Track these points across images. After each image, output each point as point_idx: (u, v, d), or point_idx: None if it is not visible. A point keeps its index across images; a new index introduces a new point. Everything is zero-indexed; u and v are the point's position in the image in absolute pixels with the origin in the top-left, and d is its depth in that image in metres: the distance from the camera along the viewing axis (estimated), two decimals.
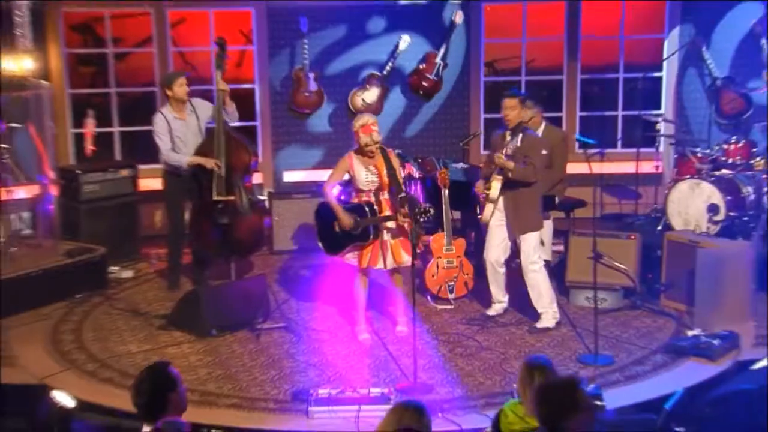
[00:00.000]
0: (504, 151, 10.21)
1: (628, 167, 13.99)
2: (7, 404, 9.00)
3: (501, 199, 10.04)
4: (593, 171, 12.72)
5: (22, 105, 13.33)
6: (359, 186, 9.46)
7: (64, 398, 8.51)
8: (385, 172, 9.25)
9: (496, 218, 9.98)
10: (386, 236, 9.51)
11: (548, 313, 10.03)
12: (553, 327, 10.00)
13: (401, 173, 9.70)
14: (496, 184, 9.99)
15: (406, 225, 9.21)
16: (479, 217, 10.50)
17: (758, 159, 12.39)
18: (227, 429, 7.78)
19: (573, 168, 13.06)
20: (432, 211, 9.27)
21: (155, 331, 10.29)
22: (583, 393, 5.34)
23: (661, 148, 14.25)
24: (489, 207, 10.07)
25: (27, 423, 8.60)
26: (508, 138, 9.99)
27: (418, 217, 8.93)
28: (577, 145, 14.76)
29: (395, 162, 9.43)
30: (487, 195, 10.02)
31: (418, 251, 9.90)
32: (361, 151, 9.37)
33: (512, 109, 10.11)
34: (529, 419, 5.85)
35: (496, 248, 9.97)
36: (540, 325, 9.97)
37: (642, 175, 14.09)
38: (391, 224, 9.51)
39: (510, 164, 9.64)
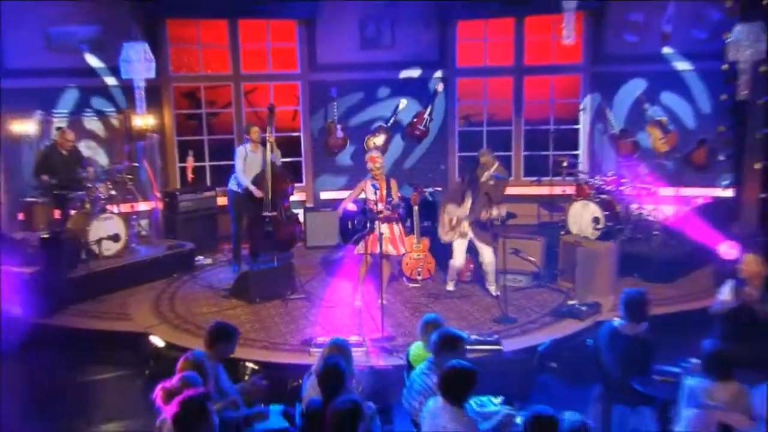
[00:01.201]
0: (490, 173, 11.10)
1: (557, 190, 14.04)
2: (122, 344, 10.10)
3: (467, 229, 10.67)
4: (537, 193, 13.96)
5: (140, 149, 13.87)
6: (368, 197, 10.10)
7: (157, 341, 9.56)
8: (384, 189, 10.05)
9: (459, 242, 10.69)
10: (383, 230, 9.90)
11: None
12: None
13: (396, 192, 10.32)
14: (466, 224, 10.67)
15: (389, 213, 10.09)
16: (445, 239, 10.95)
17: (626, 186, 12.67)
18: (256, 362, 8.45)
19: (521, 190, 14.34)
20: (402, 204, 10.54)
21: (221, 299, 11.02)
22: (461, 341, 6.32)
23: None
24: (458, 240, 10.75)
25: (133, 356, 9.70)
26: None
27: (395, 207, 10.07)
28: (523, 173, 15.29)
29: (394, 186, 10.26)
30: (460, 231, 10.67)
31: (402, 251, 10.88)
32: (372, 176, 10.21)
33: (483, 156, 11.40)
34: (426, 353, 6.59)
35: (460, 259, 10.66)
36: (496, 293, 10.68)
37: (561, 196, 13.97)
38: (386, 229, 10.05)
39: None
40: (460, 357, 6.14)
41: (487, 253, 10.78)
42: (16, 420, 8.82)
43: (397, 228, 10.50)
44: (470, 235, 10.83)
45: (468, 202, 10.88)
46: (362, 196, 10.67)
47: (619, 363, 7.00)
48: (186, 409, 5.05)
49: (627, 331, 7.03)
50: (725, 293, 8.08)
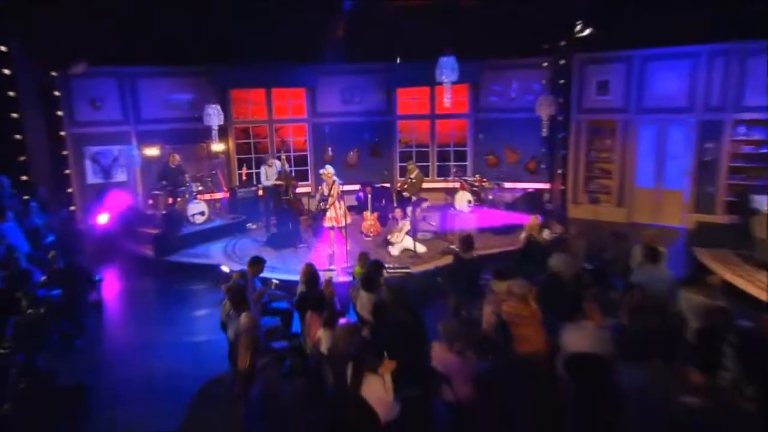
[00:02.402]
0: (405, 183, 11.94)
1: (451, 185, 13.86)
2: (206, 271, 10.43)
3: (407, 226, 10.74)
4: (443, 186, 14.16)
5: (216, 164, 13.68)
6: (324, 193, 10.18)
7: (225, 268, 9.85)
8: (332, 188, 10.04)
9: (398, 238, 10.73)
10: (334, 213, 10.08)
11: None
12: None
13: (336, 190, 9.99)
14: (406, 225, 10.79)
15: (337, 204, 9.99)
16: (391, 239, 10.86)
17: (486, 183, 13.11)
18: (279, 280, 8.89)
19: (434, 185, 14.47)
20: (326, 198, 10.09)
21: (260, 247, 11.32)
22: (380, 266, 7.11)
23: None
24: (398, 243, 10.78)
25: (212, 277, 9.92)
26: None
27: (323, 200, 10.14)
28: (436, 174, 15.16)
29: (335, 187, 10.01)
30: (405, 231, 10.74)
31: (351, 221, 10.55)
32: (324, 179, 10.15)
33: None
34: (360, 270, 7.46)
35: (398, 249, 10.62)
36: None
37: (454, 188, 13.56)
38: (332, 211, 10.07)
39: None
40: (380, 274, 7.00)
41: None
42: (152, 307, 9.75)
43: (340, 209, 10.27)
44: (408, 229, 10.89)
45: (400, 223, 11.12)
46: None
47: (459, 274, 7.67)
48: (233, 293, 6.11)
49: (463, 256, 7.72)
50: (522, 236, 8.89)
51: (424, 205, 11.93)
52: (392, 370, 4.75)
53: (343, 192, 10.75)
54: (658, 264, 6.84)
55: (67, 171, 12.20)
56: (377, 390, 4.69)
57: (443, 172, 15.18)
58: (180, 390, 6.63)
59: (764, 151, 11.76)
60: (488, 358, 5.55)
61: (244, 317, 5.71)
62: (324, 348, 5.55)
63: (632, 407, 4.12)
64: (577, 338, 5.12)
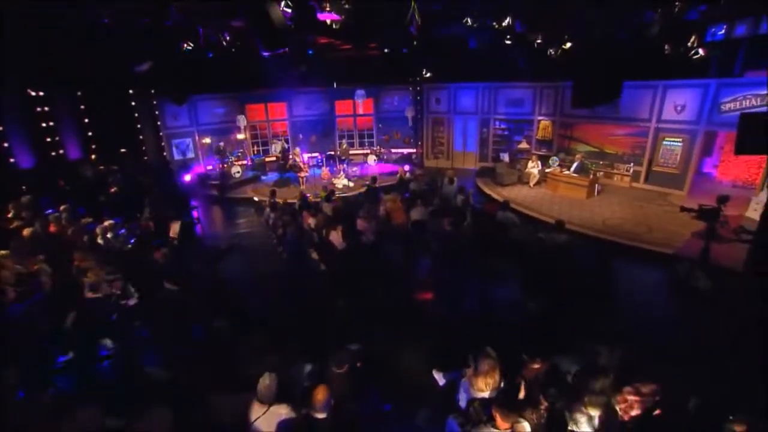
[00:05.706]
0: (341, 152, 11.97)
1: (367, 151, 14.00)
2: (248, 202, 10.56)
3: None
4: (363, 153, 13.99)
5: (244, 145, 13.63)
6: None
7: (258, 199, 9.86)
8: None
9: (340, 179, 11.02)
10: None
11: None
12: None
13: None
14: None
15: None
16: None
17: (383, 150, 13.77)
18: (285, 200, 8.79)
19: (358, 152, 14.28)
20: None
21: (271, 186, 10.15)
22: (333, 192, 7.71)
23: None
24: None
25: (253, 201, 10.23)
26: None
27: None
28: (357, 146, 14.64)
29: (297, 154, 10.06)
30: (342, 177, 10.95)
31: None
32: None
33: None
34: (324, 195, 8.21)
35: (340, 184, 10.63)
36: (348, 183, 10.70)
37: (368, 153, 13.91)
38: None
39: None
40: (332, 195, 7.85)
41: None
42: (220, 218, 9.97)
43: (326, 168, 11.22)
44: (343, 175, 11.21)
45: (340, 173, 11.40)
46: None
47: (369, 194, 8.35)
48: (272, 203, 7.01)
49: (371, 186, 8.67)
50: (397, 176, 9.81)
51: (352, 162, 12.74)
52: (342, 230, 5.98)
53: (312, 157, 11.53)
54: (452, 184, 8.46)
55: (165, 153, 12.45)
56: (336, 238, 5.95)
57: (363, 145, 15.05)
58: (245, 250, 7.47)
59: (506, 134, 13.24)
60: (380, 225, 6.47)
61: (272, 213, 7.32)
62: (313, 225, 6.82)
63: (428, 232, 5.84)
64: (415, 214, 6.78)
